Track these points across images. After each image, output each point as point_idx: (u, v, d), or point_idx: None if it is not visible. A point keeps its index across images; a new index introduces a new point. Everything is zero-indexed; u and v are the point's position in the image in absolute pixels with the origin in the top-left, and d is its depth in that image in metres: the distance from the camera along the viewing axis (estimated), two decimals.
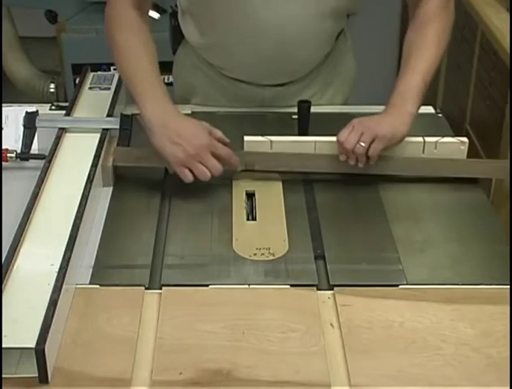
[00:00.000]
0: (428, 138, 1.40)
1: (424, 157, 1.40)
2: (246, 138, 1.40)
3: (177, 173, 1.28)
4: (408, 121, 1.33)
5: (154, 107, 1.31)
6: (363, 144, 1.30)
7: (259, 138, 1.40)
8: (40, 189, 1.23)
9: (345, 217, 1.31)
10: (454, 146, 1.41)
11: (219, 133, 1.32)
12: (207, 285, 1.12)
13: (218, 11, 1.47)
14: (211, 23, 1.51)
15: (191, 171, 1.27)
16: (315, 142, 1.40)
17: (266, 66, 1.54)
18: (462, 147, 1.41)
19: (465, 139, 1.42)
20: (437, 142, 1.40)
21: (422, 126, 1.37)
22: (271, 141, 1.39)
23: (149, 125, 1.29)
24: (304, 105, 1.49)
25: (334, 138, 1.39)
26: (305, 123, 1.48)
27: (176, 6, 1.62)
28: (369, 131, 1.31)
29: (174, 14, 1.64)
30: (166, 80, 2.42)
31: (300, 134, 1.48)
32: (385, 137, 1.31)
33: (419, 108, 1.36)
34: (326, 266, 1.17)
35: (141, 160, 1.35)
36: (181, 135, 1.27)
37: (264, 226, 1.27)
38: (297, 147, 1.40)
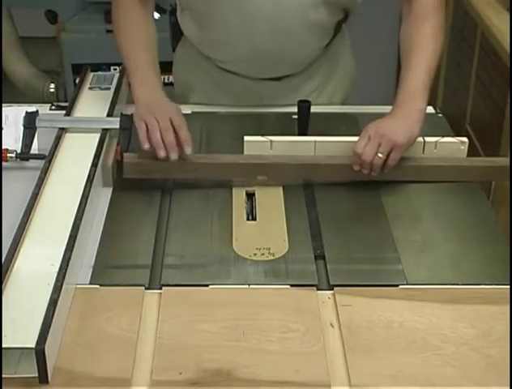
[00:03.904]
0: (428, 138, 1.40)
1: (425, 158, 1.39)
2: (246, 138, 1.40)
3: (137, 128, 1.31)
4: (420, 119, 1.33)
5: (142, 87, 1.38)
6: (381, 155, 1.30)
7: (259, 138, 1.40)
8: (40, 189, 1.23)
9: (345, 217, 1.31)
10: (453, 146, 1.41)
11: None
12: (207, 285, 1.12)
13: (213, 3, 1.47)
14: (207, 15, 1.51)
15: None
16: (315, 142, 1.40)
17: (262, 58, 1.54)
18: (462, 147, 1.41)
19: (465, 139, 1.42)
20: (437, 142, 1.40)
21: (422, 125, 1.37)
22: (271, 141, 1.39)
23: (135, 101, 1.37)
24: (304, 105, 1.48)
25: (333, 138, 1.40)
26: (304, 123, 1.48)
27: (175, 4, 1.63)
28: (387, 141, 1.30)
29: (173, 12, 1.66)
30: (166, 80, 2.43)
31: (300, 134, 1.48)
32: (403, 145, 1.31)
33: (427, 103, 1.36)
34: (326, 266, 1.17)
35: (155, 173, 1.34)
36: (154, 102, 1.35)
37: (264, 226, 1.27)
38: (297, 147, 1.40)
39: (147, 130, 1.30)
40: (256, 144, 1.39)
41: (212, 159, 1.37)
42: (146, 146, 1.29)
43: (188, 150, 1.30)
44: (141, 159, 1.33)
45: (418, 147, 1.38)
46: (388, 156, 1.31)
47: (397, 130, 1.31)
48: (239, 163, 1.37)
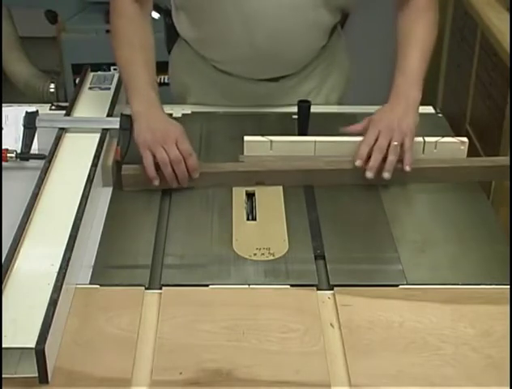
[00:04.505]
0: (428, 138, 1.40)
1: (425, 160, 1.39)
2: (246, 138, 1.40)
3: (142, 155, 1.31)
4: (417, 108, 1.38)
5: (140, 103, 1.37)
6: (396, 143, 1.32)
7: (259, 138, 1.40)
8: (40, 189, 1.23)
9: (345, 217, 1.31)
10: (453, 146, 1.41)
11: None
12: (207, 285, 1.12)
13: (208, 3, 1.47)
14: (203, 15, 1.51)
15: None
16: (315, 142, 1.39)
17: (260, 58, 1.54)
18: (462, 147, 1.41)
19: (465, 139, 1.42)
20: (436, 142, 1.40)
21: (422, 125, 1.37)
22: (271, 141, 1.39)
23: (134, 116, 1.36)
24: (304, 105, 1.48)
25: (333, 138, 1.39)
26: (304, 123, 1.48)
27: (170, 5, 1.63)
28: (398, 132, 1.33)
29: (168, 13, 1.65)
30: (162, 80, 2.44)
31: (300, 134, 1.48)
32: (412, 131, 1.35)
33: (421, 91, 1.40)
34: (326, 266, 1.17)
35: (152, 184, 1.33)
36: (156, 124, 1.33)
37: (264, 226, 1.27)
38: (297, 147, 1.39)
39: (154, 159, 1.30)
40: (256, 144, 1.39)
41: (211, 168, 1.36)
42: (156, 183, 1.31)
43: (195, 175, 1.33)
44: (139, 171, 1.33)
45: (418, 147, 1.38)
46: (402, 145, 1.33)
47: (404, 120, 1.35)
48: (238, 171, 1.36)
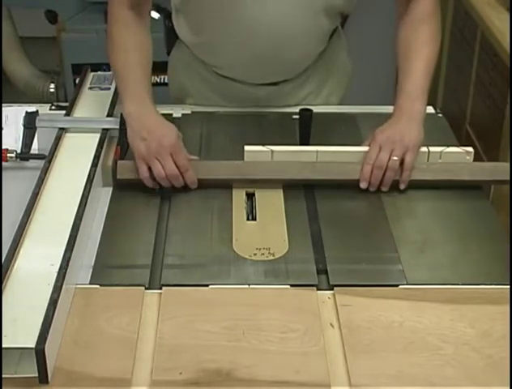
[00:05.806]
0: (432, 148, 1.37)
1: (424, 168, 1.37)
2: (247, 148, 1.37)
3: (137, 166, 1.31)
4: (422, 121, 1.35)
5: (132, 103, 1.35)
6: (396, 158, 1.31)
7: (260, 147, 1.37)
8: (40, 189, 1.23)
9: (345, 216, 1.31)
10: (459, 156, 1.39)
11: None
12: (207, 285, 1.12)
13: (208, 9, 1.46)
14: (203, 20, 1.51)
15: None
16: (317, 151, 1.37)
17: (259, 64, 1.53)
18: (468, 158, 1.39)
19: (470, 149, 1.39)
20: (441, 152, 1.38)
21: (423, 126, 1.37)
22: (272, 151, 1.37)
23: (126, 118, 1.35)
24: (305, 114, 1.46)
25: (335, 148, 1.38)
26: (306, 132, 1.46)
27: (171, 7, 1.62)
28: (400, 145, 1.31)
29: (168, 15, 1.64)
30: (161, 80, 2.44)
31: (302, 142, 1.46)
32: (415, 146, 1.33)
33: (426, 106, 1.38)
34: (326, 266, 1.17)
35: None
36: (150, 132, 1.31)
37: (264, 226, 1.27)
38: (298, 157, 1.37)
39: (149, 170, 1.30)
40: (256, 154, 1.37)
41: (208, 173, 1.35)
42: (157, 188, 1.32)
43: (193, 186, 1.34)
44: (135, 174, 1.32)
45: (422, 157, 1.37)
46: (402, 161, 1.32)
47: (407, 134, 1.33)
48: (235, 179, 1.35)
